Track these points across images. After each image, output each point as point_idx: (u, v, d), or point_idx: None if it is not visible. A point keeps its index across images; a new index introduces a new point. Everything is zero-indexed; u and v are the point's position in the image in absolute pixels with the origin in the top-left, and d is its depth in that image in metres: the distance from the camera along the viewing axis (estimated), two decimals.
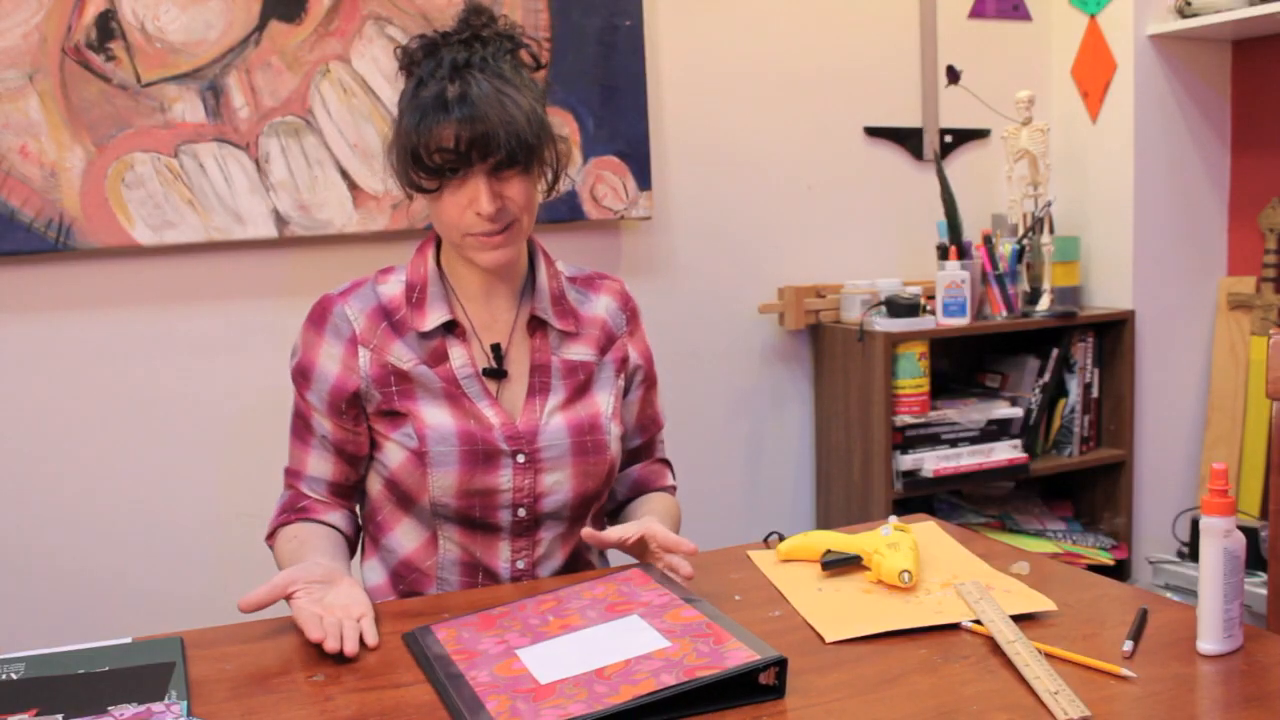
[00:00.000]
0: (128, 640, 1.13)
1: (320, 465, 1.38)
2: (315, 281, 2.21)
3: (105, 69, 2.03)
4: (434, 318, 1.34)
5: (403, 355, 1.34)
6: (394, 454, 1.34)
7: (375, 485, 1.39)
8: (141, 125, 2.06)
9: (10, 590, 2.08)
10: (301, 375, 1.37)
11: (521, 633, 1.09)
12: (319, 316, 1.36)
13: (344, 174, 2.20)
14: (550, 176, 1.35)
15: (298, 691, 1.02)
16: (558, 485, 1.35)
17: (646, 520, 1.28)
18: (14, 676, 1.04)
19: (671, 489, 1.54)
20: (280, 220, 2.16)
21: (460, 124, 1.24)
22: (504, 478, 1.33)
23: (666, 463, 1.56)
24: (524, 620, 1.12)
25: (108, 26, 2.02)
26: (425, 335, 1.34)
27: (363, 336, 1.34)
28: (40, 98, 1.99)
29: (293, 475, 1.40)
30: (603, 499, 1.43)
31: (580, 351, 1.41)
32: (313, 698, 1.00)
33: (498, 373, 1.36)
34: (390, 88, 2.21)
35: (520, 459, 1.33)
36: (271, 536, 1.39)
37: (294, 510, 1.38)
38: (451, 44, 1.29)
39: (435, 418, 1.32)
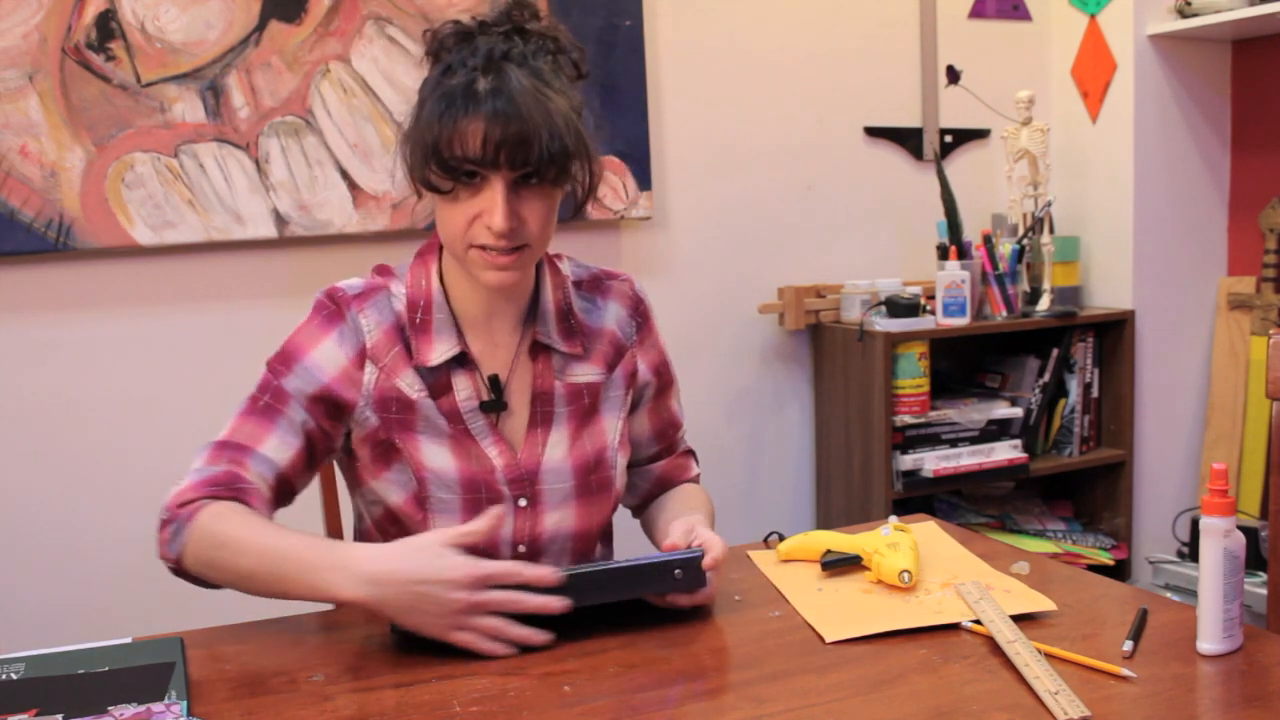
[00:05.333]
0: (128, 640, 1.13)
1: (280, 450, 1.22)
2: (315, 281, 2.18)
3: (105, 69, 2.03)
4: (441, 350, 1.25)
5: (412, 384, 1.25)
6: (392, 493, 1.27)
7: (371, 514, 1.33)
8: (141, 125, 2.06)
9: (10, 590, 2.08)
10: (284, 360, 1.25)
11: None
12: (331, 314, 1.26)
13: (344, 174, 2.20)
14: (580, 194, 1.23)
15: (298, 691, 1.02)
16: (559, 524, 1.30)
17: (699, 532, 1.21)
18: (14, 676, 1.04)
19: (695, 478, 1.49)
20: (280, 220, 2.16)
21: (491, 120, 1.11)
22: (505, 523, 1.27)
23: (690, 453, 1.50)
24: None
25: (108, 26, 2.02)
26: (431, 368, 1.25)
27: (374, 352, 1.24)
28: (40, 98, 1.99)
29: (236, 449, 1.21)
30: (606, 526, 1.39)
31: (586, 372, 1.33)
32: (313, 698, 1.00)
33: (497, 405, 1.27)
34: (390, 88, 2.21)
35: (522, 503, 1.28)
36: (186, 506, 1.17)
37: (230, 487, 1.18)
38: (489, 34, 1.17)
39: (436, 459, 1.25)
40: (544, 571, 1.10)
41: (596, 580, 1.11)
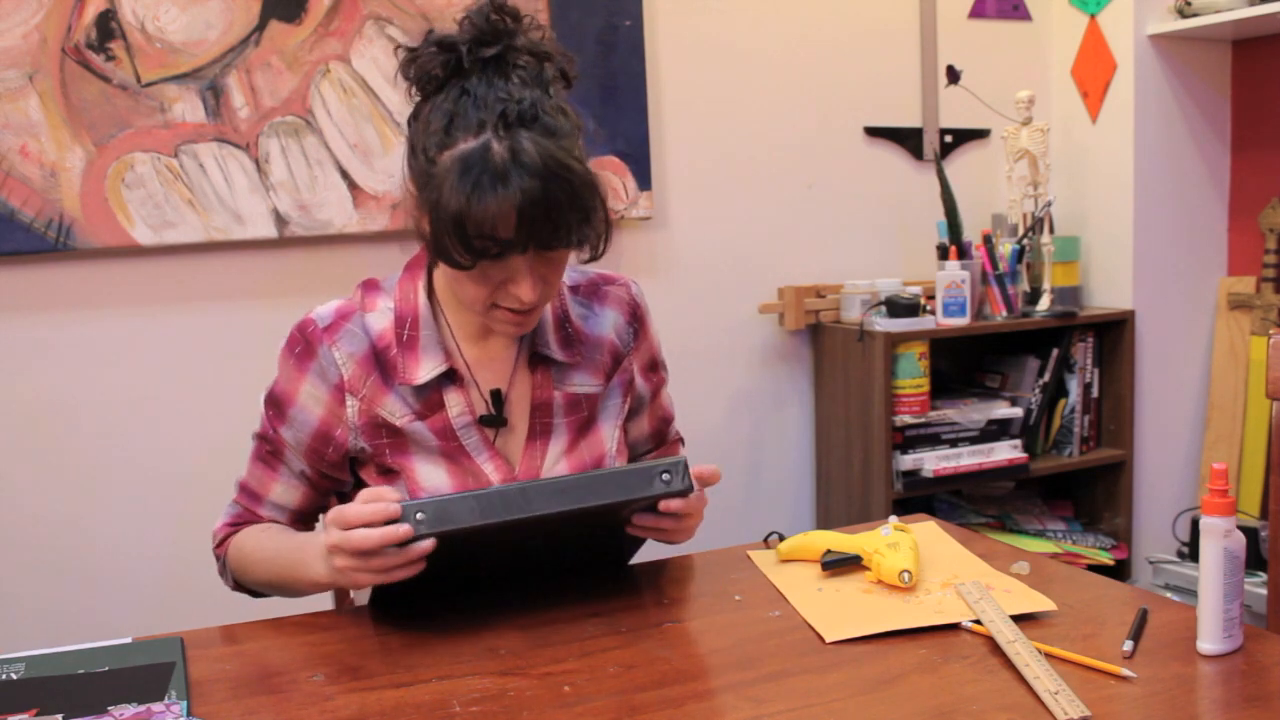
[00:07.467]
0: (128, 640, 1.13)
1: (287, 494, 1.29)
2: (315, 281, 2.21)
3: (105, 69, 2.03)
4: (428, 368, 1.22)
5: (395, 410, 1.23)
6: None
7: None
8: (141, 125, 2.06)
9: (10, 590, 2.08)
10: (275, 407, 1.26)
11: None
12: (303, 352, 1.24)
13: (344, 174, 2.20)
14: (601, 245, 1.16)
15: (298, 691, 1.02)
16: None
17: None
18: (14, 676, 1.04)
19: None
20: (280, 220, 2.16)
21: (520, 204, 1.05)
22: None
23: (678, 440, 1.51)
24: None
25: (108, 26, 2.02)
26: (419, 386, 1.23)
27: (351, 384, 1.23)
28: (40, 98, 1.99)
29: (250, 496, 1.30)
30: None
31: (584, 382, 1.31)
32: (313, 698, 1.00)
33: (497, 421, 1.26)
34: (390, 88, 2.21)
35: None
36: (222, 545, 1.29)
37: (250, 523, 1.30)
38: (478, 62, 1.10)
39: (431, 479, 1.23)
40: (389, 515, 1.04)
41: (583, 485, 1.08)
